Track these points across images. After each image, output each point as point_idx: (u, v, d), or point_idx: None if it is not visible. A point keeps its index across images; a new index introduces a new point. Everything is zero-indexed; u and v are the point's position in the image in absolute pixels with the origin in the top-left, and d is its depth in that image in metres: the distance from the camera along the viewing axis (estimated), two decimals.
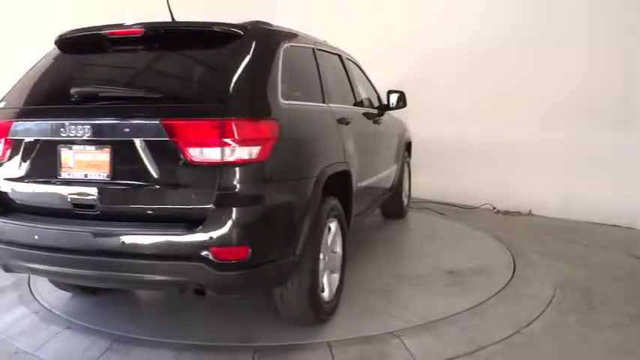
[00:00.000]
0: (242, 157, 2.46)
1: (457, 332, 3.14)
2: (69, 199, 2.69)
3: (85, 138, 2.62)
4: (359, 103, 4.35)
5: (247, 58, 2.73)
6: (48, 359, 2.90)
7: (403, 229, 5.88)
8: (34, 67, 3.12)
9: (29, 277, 3.99)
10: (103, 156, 2.62)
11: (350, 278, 3.79)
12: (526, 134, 6.38)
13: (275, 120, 2.65)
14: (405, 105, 4.95)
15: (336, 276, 3.33)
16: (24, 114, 2.85)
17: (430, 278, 4.03)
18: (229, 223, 2.45)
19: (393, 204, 5.75)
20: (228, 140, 2.44)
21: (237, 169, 2.47)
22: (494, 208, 6.71)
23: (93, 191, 2.63)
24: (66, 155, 2.69)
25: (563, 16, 6.06)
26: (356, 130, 3.84)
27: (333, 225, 3.26)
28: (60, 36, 3.07)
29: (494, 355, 2.93)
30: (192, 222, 2.47)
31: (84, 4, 5.60)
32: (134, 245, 2.55)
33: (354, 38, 7.08)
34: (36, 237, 2.68)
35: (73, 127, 2.63)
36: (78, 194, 2.67)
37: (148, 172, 2.55)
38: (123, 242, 2.54)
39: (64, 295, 3.63)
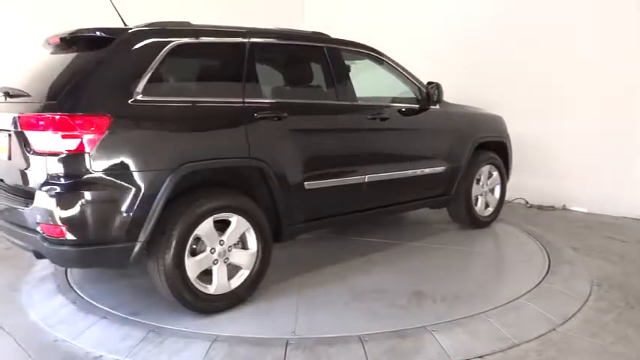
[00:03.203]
0: (61, 149, 2.81)
1: (491, 329, 3.11)
2: None
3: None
4: (348, 98, 4.02)
5: (98, 60, 3.05)
6: (86, 348, 2.97)
7: (453, 238, 4.97)
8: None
9: (66, 267, 4.08)
10: (5, 141, 3.19)
11: (297, 280, 3.81)
12: (559, 128, 6.24)
13: (106, 115, 2.86)
14: (440, 97, 4.67)
15: (244, 272, 3.38)
16: None
17: (380, 295, 3.56)
18: (46, 205, 2.84)
19: (458, 211, 5.14)
20: (50, 132, 2.81)
21: (57, 158, 2.83)
22: (527, 203, 6.60)
23: (2, 168, 3.33)
24: None
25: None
26: (308, 125, 3.75)
27: (234, 219, 3.30)
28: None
29: (528, 352, 2.90)
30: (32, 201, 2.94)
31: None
32: (9, 214, 3.19)
33: (383, 33, 7.07)
34: None
35: None
36: (1, 171, 3.39)
37: (19, 156, 3.06)
38: (5, 211, 3.22)
39: (101, 285, 3.71)
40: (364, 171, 4.09)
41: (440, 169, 4.76)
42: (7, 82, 3.36)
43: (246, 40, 3.56)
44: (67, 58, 3.26)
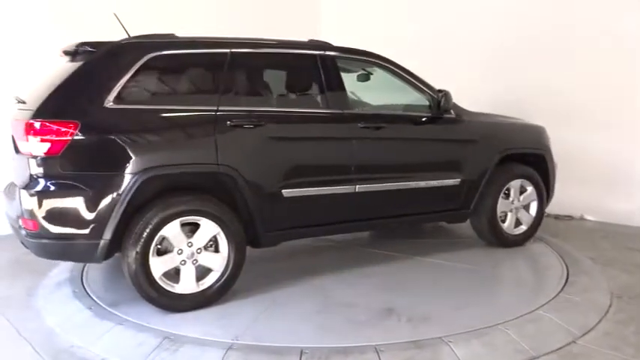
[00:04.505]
0: (34, 151, 3.12)
1: (509, 340, 3.06)
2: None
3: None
4: (337, 106, 3.96)
5: (76, 71, 3.32)
6: (101, 354, 3.00)
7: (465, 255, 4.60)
8: None
9: (82, 273, 4.14)
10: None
11: (276, 286, 3.81)
12: (578, 136, 6.15)
13: (75, 121, 3.12)
14: (447, 105, 4.36)
15: (215, 274, 3.49)
16: None
17: (348, 309, 3.47)
18: (23, 201, 3.18)
19: (481, 227, 4.77)
20: (27, 137, 3.11)
21: (32, 159, 3.14)
22: (545, 212, 6.50)
23: (13, 168, 3.50)
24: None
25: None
26: (287, 133, 3.75)
27: (203, 223, 3.42)
28: None
29: None
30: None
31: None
32: (11, 210, 3.49)
33: (399, 39, 7.04)
34: None
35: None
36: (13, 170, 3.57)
37: (16, 158, 3.35)
38: (10, 207, 3.50)
39: (116, 292, 3.72)
40: (354, 181, 3.99)
41: (452, 181, 4.47)
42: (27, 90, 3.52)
43: (227, 50, 3.66)
44: (64, 68, 3.46)
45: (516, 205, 4.83)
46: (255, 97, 3.94)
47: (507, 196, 4.78)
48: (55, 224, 3.17)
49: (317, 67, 3.98)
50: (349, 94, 4.77)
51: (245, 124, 3.57)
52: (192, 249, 3.41)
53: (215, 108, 3.51)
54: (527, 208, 4.92)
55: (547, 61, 6.35)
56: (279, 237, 3.84)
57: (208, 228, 3.44)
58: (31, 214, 3.16)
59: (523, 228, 4.89)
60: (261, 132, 3.61)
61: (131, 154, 3.22)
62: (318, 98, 4.03)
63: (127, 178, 3.19)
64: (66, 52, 3.58)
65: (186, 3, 6.61)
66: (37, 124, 3.10)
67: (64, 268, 4.25)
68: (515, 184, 4.78)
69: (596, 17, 5.96)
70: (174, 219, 3.33)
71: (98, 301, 3.60)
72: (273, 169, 3.67)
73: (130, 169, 3.20)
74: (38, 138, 3.10)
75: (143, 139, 3.32)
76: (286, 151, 3.74)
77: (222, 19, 6.79)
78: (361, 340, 3.03)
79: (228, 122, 3.51)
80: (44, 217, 3.15)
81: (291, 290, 3.80)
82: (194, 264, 3.43)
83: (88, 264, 4.28)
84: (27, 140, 3.12)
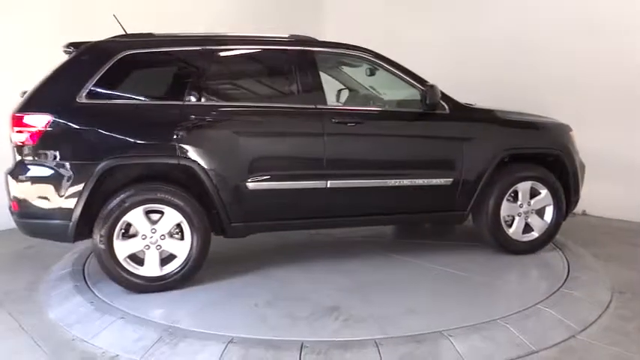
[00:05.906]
0: (17, 140, 3.52)
1: (509, 335, 3.06)
2: None
3: None
4: (310, 101, 3.93)
5: (55, 68, 3.67)
6: (102, 347, 3.02)
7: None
8: None
9: (84, 267, 4.16)
10: None
11: (238, 276, 3.95)
12: (579, 131, 6.10)
13: (48, 115, 3.47)
14: (432, 100, 4.08)
15: (179, 260, 3.69)
16: None
17: (294, 303, 3.46)
18: (9, 185, 3.58)
19: (482, 231, 4.46)
20: (13, 128, 3.52)
21: (16, 148, 3.55)
22: None
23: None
24: None
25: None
26: (252, 128, 3.86)
27: (166, 211, 3.63)
28: None
29: None
30: None
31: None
32: None
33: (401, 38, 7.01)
34: None
35: None
36: None
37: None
38: None
39: (117, 286, 3.72)
40: (326, 176, 3.92)
41: (442, 180, 4.20)
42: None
43: (199, 47, 3.87)
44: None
45: (525, 209, 4.43)
46: (224, 93, 4.04)
47: (515, 198, 4.42)
48: (31, 205, 3.54)
49: (291, 63, 4.00)
50: (367, 89, 4.87)
51: (208, 119, 3.73)
52: (157, 235, 3.62)
53: (181, 103, 3.69)
54: (541, 212, 4.49)
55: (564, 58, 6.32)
56: (246, 229, 3.91)
57: (171, 216, 3.64)
58: (13, 195, 3.57)
59: (534, 234, 4.48)
60: (224, 126, 3.79)
61: (95, 146, 3.55)
62: (291, 93, 4.05)
63: (91, 168, 3.49)
64: (65, 52, 3.84)
65: (192, 3, 6.64)
66: (19, 117, 3.49)
67: (66, 263, 4.27)
68: (523, 187, 4.39)
69: (619, 18, 5.89)
70: (137, 206, 3.58)
71: (99, 295, 3.62)
72: (237, 162, 3.76)
73: (93, 159, 3.51)
74: (19, 129, 3.48)
75: (107, 133, 3.57)
76: (250, 145, 3.82)
77: (226, 17, 6.81)
78: (290, 335, 3.05)
79: (192, 116, 3.68)
80: (23, 199, 3.55)
81: (253, 281, 3.89)
82: (158, 249, 3.63)
83: (89, 259, 4.30)
84: (13, 131, 3.51)
